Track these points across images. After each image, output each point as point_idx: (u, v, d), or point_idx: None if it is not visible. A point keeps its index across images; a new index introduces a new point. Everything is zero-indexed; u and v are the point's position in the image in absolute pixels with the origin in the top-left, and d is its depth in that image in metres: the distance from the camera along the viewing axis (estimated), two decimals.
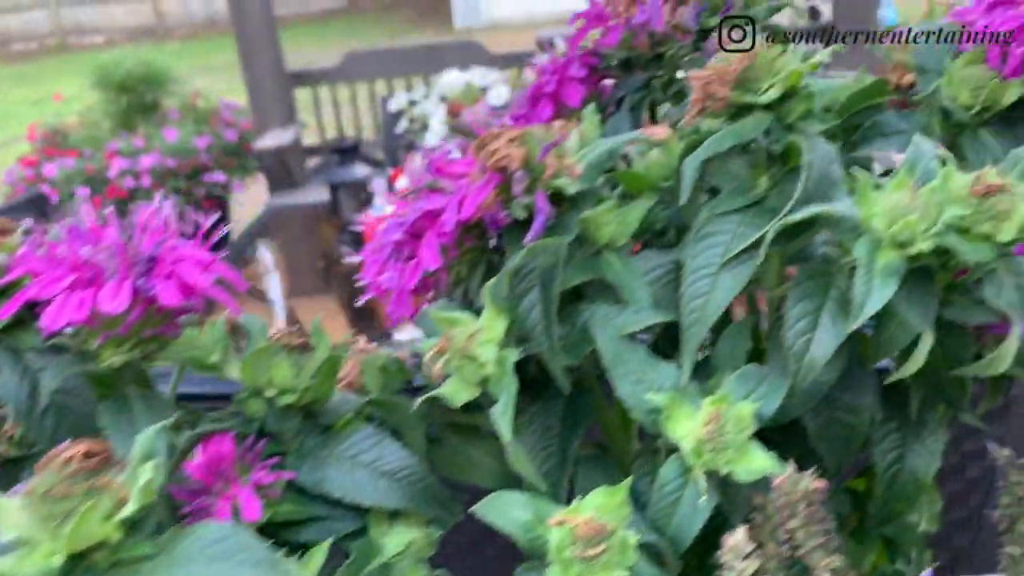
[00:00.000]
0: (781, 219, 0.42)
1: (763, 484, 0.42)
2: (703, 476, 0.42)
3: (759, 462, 0.42)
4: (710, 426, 0.41)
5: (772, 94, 0.43)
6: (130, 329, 0.41)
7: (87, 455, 0.32)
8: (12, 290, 0.41)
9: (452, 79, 2.85)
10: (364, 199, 2.73)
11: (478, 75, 2.86)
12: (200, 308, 0.42)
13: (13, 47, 9.61)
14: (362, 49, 3.99)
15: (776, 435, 0.52)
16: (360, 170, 2.76)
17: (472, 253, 0.48)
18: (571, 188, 0.46)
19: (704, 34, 0.58)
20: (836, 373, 0.48)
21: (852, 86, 0.60)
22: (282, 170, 3.72)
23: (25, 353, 0.43)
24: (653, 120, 0.66)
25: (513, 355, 0.43)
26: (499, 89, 2.76)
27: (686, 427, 0.43)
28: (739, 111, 0.45)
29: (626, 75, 0.68)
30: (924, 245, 0.40)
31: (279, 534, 0.44)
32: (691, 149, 0.48)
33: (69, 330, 0.43)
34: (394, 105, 2.83)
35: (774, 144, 0.44)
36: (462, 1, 8.85)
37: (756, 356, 0.51)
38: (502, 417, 0.41)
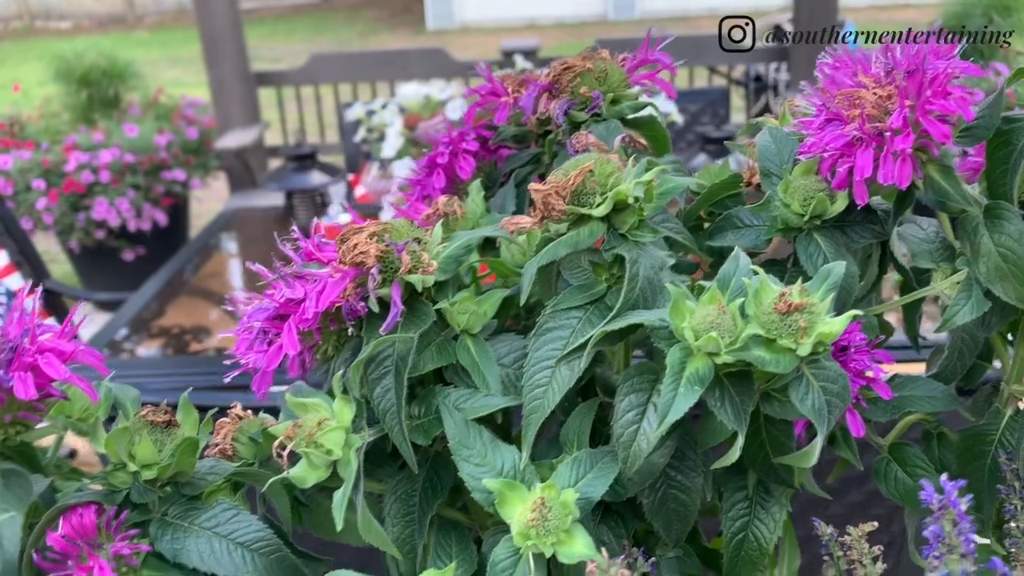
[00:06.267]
0: (602, 327, 0.45)
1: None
2: (531, 556, 0.46)
3: (579, 547, 0.45)
4: (535, 513, 0.45)
5: (603, 209, 0.47)
6: None
7: None
8: None
9: (411, 91, 2.88)
10: (320, 205, 2.75)
11: (436, 88, 2.88)
12: (62, 395, 0.45)
13: None
14: (327, 52, 4.00)
15: (621, 508, 0.56)
16: (316, 177, 2.77)
17: (338, 335, 0.52)
18: (427, 282, 0.50)
19: (576, 126, 0.61)
20: (668, 456, 0.52)
21: (717, 174, 0.64)
22: (243, 170, 3.72)
23: None
24: None
25: (358, 441, 0.47)
26: (458, 102, 2.79)
27: (516, 511, 0.46)
28: (581, 217, 0.48)
29: (521, 148, 0.71)
30: (727, 357, 0.44)
31: None
32: (546, 243, 0.51)
33: None
34: (351, 115, 2.85)
35: (607, 252, 0.48)
36: (434, 3, 8.87)
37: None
38: (337, 508, 0.44)
